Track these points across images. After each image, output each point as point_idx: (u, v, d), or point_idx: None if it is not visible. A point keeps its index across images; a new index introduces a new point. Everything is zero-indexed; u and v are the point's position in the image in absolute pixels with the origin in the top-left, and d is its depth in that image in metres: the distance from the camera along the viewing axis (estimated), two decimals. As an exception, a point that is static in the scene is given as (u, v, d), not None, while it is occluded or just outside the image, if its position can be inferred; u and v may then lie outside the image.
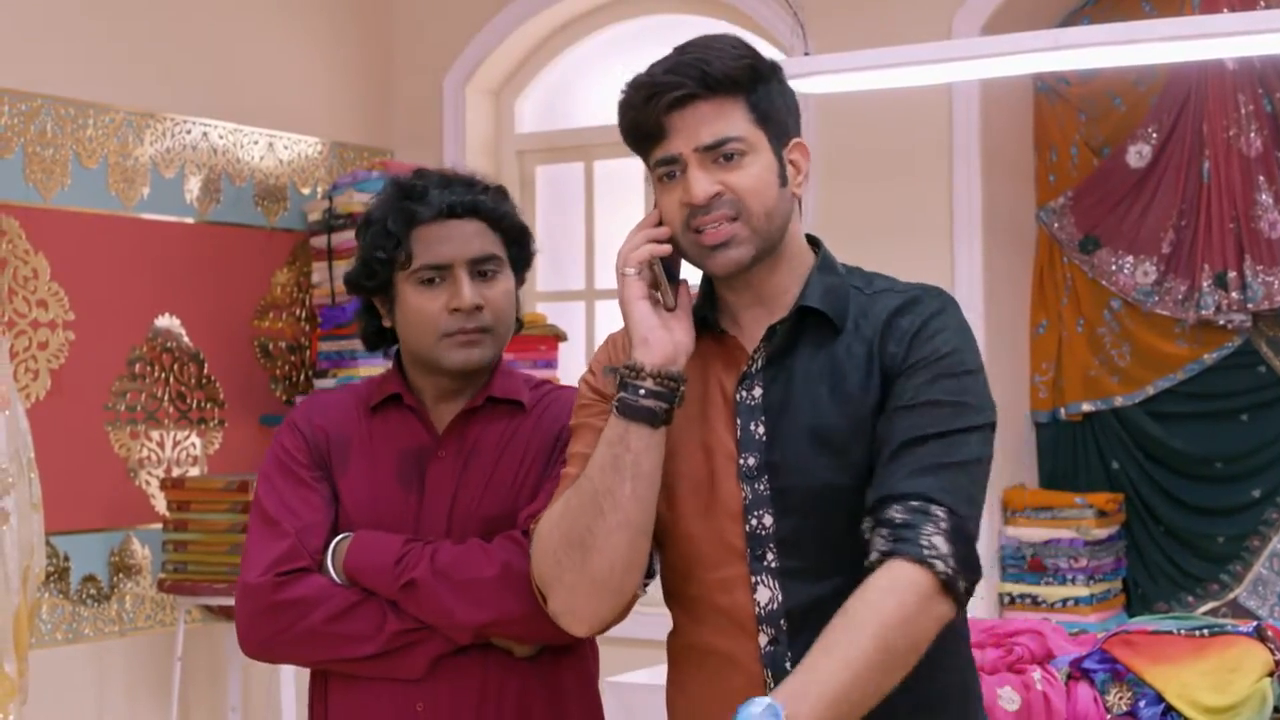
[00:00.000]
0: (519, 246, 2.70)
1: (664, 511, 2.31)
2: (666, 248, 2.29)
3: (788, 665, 2.23)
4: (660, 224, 2.31)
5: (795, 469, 2.26)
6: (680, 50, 2.31)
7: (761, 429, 2.28)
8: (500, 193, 2.71)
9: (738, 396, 2.31)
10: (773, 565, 2.26)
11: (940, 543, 2.15)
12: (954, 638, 2.32)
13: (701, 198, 2.24)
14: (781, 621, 2.26)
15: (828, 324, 2.30)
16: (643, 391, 2.23)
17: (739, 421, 2.30)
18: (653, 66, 2.29)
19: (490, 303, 2.62)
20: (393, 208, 2.63)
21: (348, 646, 2.56)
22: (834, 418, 2.27)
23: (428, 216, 2.61)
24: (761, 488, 2.27)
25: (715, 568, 2.30)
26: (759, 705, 2.01)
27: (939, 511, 2.17)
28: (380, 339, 2.75)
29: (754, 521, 2.27)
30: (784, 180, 2.29)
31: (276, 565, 2.58)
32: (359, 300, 2.75)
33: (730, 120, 2.25)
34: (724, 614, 2.30)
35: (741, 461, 2.28)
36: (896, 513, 2.17)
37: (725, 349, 2.35)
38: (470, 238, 2.63)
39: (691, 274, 2.36)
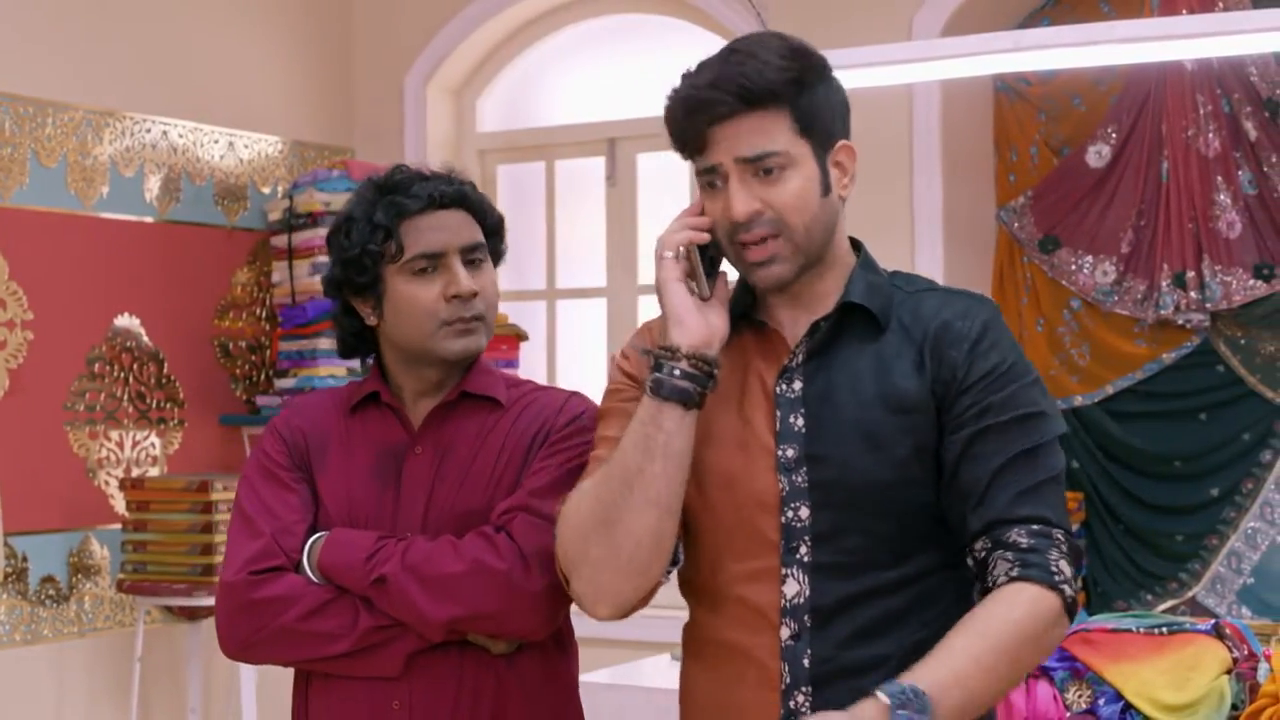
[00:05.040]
0: (497, 238, 2.73)
1: (694, 502, 2.32)
2: (704, 236, 2.30)
3: (806, 662, 2.27)
4: (703, 213, 2.33)
5: (836, 462, 2.28)
6: (725, 56, 2.30)
7: (801, 421, 2.30)
8: (474, 185, 2.73)
9: (778, 389, 2.32)
10: (805, 559, 2.27)
11: (1065, 567, 2.21)
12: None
13: (743, 216, 2.26)
14: (806, 617, 2.27)
15: (871, 321, 2.33)
16: (677, 372, 2.25)
17: (779, 414, 2.31)
18: (696, 75, 2.29)
19: (483, 290, 2.65)
20: (378, 202, 2.64)
21: (321, 644, 2.57)
22: (879, 413, 2.28)
23: (416, 208, 2.63)
24: (800, 480, 2.28)
25: (743, 559, 2.31)
26: (900, 689, 2.07)
27: (1059, 535, 2.23)
28: (359, 344, 2.74)
29: (790, 514, 2.28)
30: (826, 189, 2.30)
31: (251, 564, 2.59)
32: (335, 304, 2.74)
33: (772, 134, 2.26)
34: (746, 606, 2.31)
35: (780, 453, 2.29)
36: (1020, 536, 2.21)
37: (765, 342, 2.37)
38: (460, 226, 2.65)
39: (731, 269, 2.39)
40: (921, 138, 5.38)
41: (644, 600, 2.32)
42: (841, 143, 2.33)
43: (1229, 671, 3.61)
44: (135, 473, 5.49)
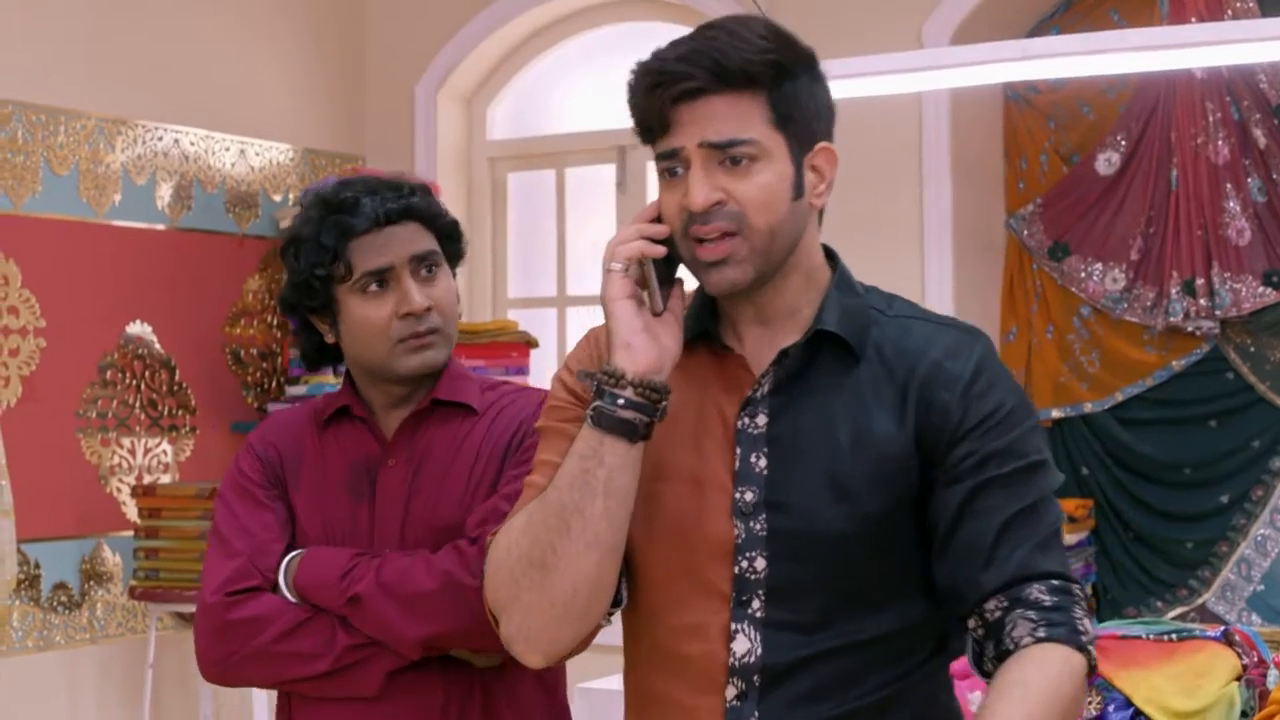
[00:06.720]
0: (453, 242, 2.67)
1: (639, 541, 2.09)
2: (660, 249, 2.05)
3: None
4: (658, 219, 2.08)
5: (800, 511, 2.04)
6: (701, 31, 2.05)
7: (764, 462, 2.06)
8: (427, 190, 2.66)
9: (739, 423, 2.08)
10: (757, 615, 2.04)
11: (1089, 625, 2.01)
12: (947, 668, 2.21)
13: (700, 204, 2.00)
14: (755, 676, 2.04)
15: (846, 350, 2.09)
16: (621, 401, 1.99)
17: (738, 451, 2.07)
18: (667, 49, 2.05)
19: (437, 302, 2.59)
20: (325, 223, 2.57)
21: (299, 665, 2.53)
22: (852, 460, 2.05)
23: (363, 227, 2.56)
24: (757, 527, 2.05)
25: (689, 610, 2.08)
26: None
27: (1077, 591, 2.03)
28: (322, 357, 2.70)
29: (744, 564, 2.05)
30: (799, 192, 2.05)
31: (227, 584, 2.55)
32: (296, 320, 2.69)
33: (745, 120, 2.00)
34: (689, 663, 2.08)
35: (737, 496, 2.06)
36: (1041, 594, 2.00)
37: (726, 368, 2.12)
38: (409, 238, 2.59)
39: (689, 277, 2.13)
40: (931, 146, 5.38)
41: (583, 645, 2.10)
42: (822, 144, 2.08)
43: (1239, 678, 3.62)
44: (147, 480, 5.50)
